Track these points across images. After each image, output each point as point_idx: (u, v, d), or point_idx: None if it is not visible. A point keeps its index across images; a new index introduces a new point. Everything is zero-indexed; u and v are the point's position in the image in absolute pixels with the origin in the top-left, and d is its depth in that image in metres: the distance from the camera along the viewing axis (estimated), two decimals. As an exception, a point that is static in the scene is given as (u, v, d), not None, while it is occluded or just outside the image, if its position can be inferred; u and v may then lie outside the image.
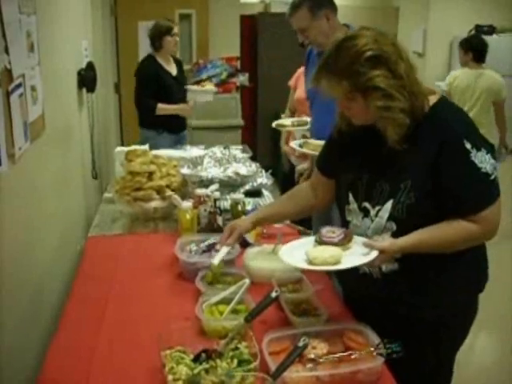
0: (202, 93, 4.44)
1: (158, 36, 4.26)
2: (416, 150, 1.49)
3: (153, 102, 4.16)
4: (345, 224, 1.68)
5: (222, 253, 1.78)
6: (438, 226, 1.48)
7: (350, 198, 1.63)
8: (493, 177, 1.47)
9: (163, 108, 4.18)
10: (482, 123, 4.10)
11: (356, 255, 1.50)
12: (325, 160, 1.80)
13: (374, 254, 1.46)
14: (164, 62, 4.31)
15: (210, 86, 4.72)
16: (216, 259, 1.76)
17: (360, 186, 1.61)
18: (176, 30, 4.30)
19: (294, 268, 1.65)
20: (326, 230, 1.59)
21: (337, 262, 1.48)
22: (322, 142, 1.90)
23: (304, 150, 2.64)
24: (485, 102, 4.46)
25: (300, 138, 2.93)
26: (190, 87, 4.48)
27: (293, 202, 1.84)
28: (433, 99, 1.54)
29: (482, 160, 1.45)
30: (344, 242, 1.54)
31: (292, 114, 3.80)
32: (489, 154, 1.47)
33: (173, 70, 4.37)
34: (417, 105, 1.48)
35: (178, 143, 4.03)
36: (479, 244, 1.59)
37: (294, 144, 2.77)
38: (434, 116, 1.51)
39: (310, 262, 1.50)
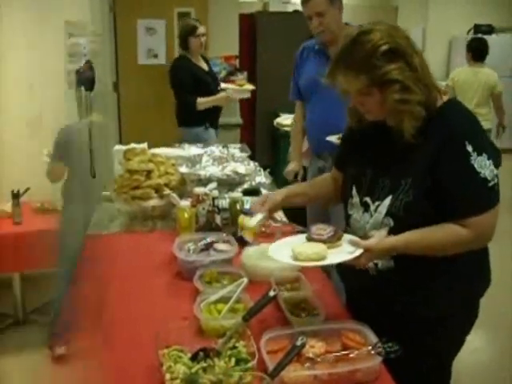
0: (239, 92, 4.44)
1: (183, 36, 4.27)
2: (425, 145, 1.49)
3: (193, 97, 4.15)
4: (346, 218, 1.70)
5: (258, 217, 1.79)
6: (430, 229, 1.48)
7: (354, 191, 1.65)
8: (491, 183, 1.46)
9: (203, 102, 4.17)
10: (480, 113, 4.81)
11: (342, 253, 1.51)
12: (339, 157, 1.84)
13: (358, 252, 1.47)
14: (195, 60, 4.32)
15: (248, 86, 4.72)
16: (253, 221, 1.78)
17: (364, 181, 1.62)
18: (202, 29, 4.26)
19: (280, 262, 1.65)
20: (316, 228, 1.61)
21: (321, 259, 1.50)
22: None
23: None
24: (482, 95, 5.17)
25: None
26: (226, 86, 4.47)
27: (317, 188, 1.92)
28: (444, 98, 1.55)
29: (482, 165, 1.45)
30: (333, 240, 1.55)
31: None
32: (490, 160, 1.46)
33: (204, 66, 4.40)
34: (430, 98, 1.50)
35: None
36: (479, 249, 1.57)
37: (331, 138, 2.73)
38: (444, 114, 1.52)
39: (295, 258, 1.52)
